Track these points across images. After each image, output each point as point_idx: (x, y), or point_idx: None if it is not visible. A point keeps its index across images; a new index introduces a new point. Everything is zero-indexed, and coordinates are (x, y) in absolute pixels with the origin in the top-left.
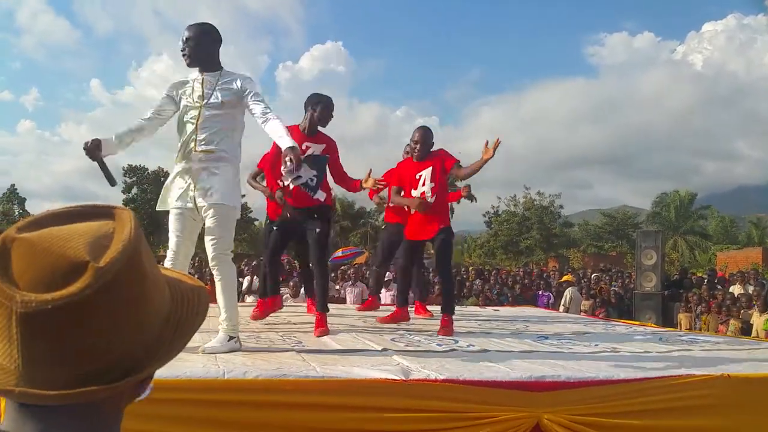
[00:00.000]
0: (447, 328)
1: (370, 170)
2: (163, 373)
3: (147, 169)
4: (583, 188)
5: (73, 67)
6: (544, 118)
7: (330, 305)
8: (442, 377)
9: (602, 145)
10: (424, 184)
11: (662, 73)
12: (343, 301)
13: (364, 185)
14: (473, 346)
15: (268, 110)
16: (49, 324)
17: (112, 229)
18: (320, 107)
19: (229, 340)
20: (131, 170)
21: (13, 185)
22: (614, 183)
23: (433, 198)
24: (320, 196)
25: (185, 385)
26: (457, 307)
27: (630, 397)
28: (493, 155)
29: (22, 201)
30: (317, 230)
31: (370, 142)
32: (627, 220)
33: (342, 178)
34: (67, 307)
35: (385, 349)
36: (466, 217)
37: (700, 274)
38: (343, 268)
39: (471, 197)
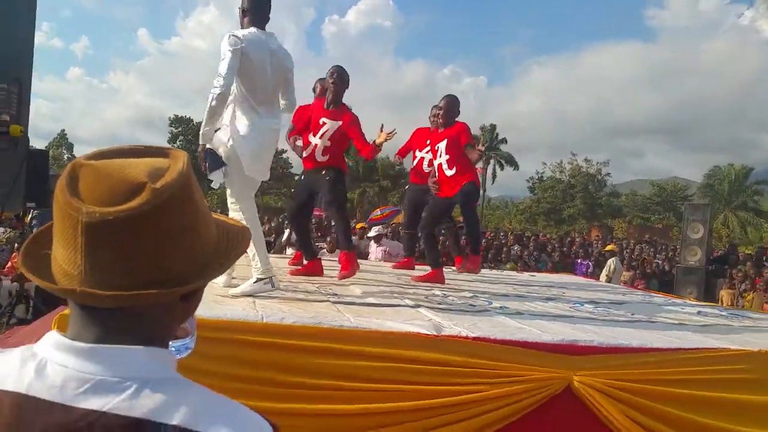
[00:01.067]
0: (474, 265)
1: (382, 125)
2: (204, 313)
3: (192, 120)
4: (634, 157)
5: (122, 15)
6: (598, 82)
7: (369, 262)
8: (473, 335)
9: (658, 113)
10: (441, 156)
11: (727, 38)
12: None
13: (377, 142)
14: (507, 308)
15: (215, 85)
16: (110, 234)
17: (168, 164)
18: (326, 77)
19: (255, 282)
20: (177, 120)
21: (63, 131)
22: (667, 153)
23: (452, 170)
24: (321, 159)
25: (225, 326)
26: (494, 271)
27: (663, 366)
28: (481, 149)
29: (70, 146)
30: (329, 197)
31: (415, 102)
32: (677, 192)
33: (361, 150)
34: (126, 220)
35: (418, 306)
36: (509, 182)
37: (748, 252)
38: (380, 226)
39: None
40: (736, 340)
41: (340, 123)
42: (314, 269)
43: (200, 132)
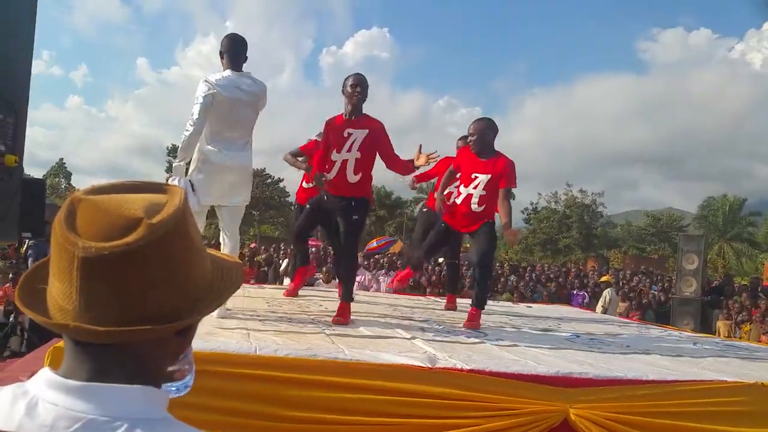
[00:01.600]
0: (474, 322)
1: (420, 146)
2: (197, 345)
3: None
4: (628, 188)
5: (122, 44)
6: (592, 113)
7: (363, 293)
8: (468, 367)
9: (651, 144)
10: (476, 188)
11: (718, 72)
12: (376, 289)
13: (416, 163)
14: (502, 340)
15: (187, 127)
16: (105, 269)
17: (165, 200)
18: (347, 86)
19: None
20: (175, 150)
21: (61, 159)
22: (661, 184)
23: (481, 207)
24: (352, 179)
25: (217, 358)
26: (489, 302)
27: (659, 398)
28: (511, 237)
29: (68, 175)
30: (354, 217)
31: (410, 131)
32: (672, 223)
33: (392, 162)
34: (122, 255)
35: (413, 338)
36: None
37: (744, 283)
38: (376, 256)
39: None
40: (732, 372)
41: (368, 131)
42: (304, 274)
43: (173, 164)
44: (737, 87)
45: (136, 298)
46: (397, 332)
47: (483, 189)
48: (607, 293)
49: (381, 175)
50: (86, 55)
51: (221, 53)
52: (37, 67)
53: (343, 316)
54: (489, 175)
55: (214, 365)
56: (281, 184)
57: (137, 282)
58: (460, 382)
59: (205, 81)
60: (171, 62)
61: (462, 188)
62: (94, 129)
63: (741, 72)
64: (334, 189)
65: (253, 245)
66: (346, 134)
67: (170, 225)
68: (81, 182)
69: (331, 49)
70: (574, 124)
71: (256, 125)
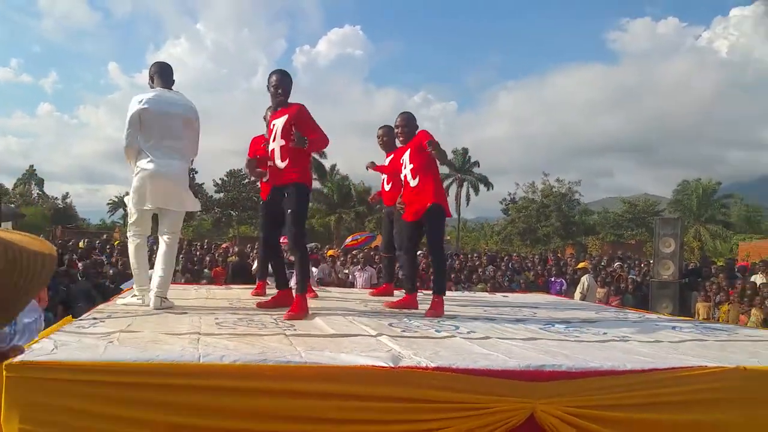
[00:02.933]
0: (436, 310)
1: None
2: (135, 356)
3: None
4: (604, 176)
5: (92, 50)
6: (565, 105)
7: (338, 289)
8: (433, 365)
9: (624, 132)
10: (405, 167)
11: (686, 59)
12: (352, 285)
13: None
14: (474, 332)
15: (123, 142)
16: None
17: None
18: (270, 88)
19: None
20: None
21: (31, 166)
22: (636, 171)
23: (416, 180)
24: (280, 165)
25: (157, 370)
26: (464, 293)
27: (636, 389)
28: (431, 150)
29: (40, 182)
30: (289, 211)
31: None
32: (648, 208)
33: (310, 137)
34: None
35: (379, 334)
36: (484, 204)
37: (719, 263)
38: (353, 252)
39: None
40: (712, 357)
41: (286, 116)
42: (284, 300)
43: None
44: (706, 74)
45: None
46: (364, 329)
47: (410, 162)
48: (585, 279)
49: (360, 170)
50: (56, 62)
51: (151, 77)
52: (6, 74)
53: (295, 310)
54: (408, 149)
55: (151, 377)
56: (258, 185)
57: None
58: (424, 381)
59: (135, 97)
60: (143, 65)
61: (401, 175)
62: (66, 135)
63: (709, 59)
64: (271, 179)
65: (225, 246)
66: (272, 126)
67: None
68: (54, 189)
69: (304, 48)
70: (549, 116)
71: (234, 125)
